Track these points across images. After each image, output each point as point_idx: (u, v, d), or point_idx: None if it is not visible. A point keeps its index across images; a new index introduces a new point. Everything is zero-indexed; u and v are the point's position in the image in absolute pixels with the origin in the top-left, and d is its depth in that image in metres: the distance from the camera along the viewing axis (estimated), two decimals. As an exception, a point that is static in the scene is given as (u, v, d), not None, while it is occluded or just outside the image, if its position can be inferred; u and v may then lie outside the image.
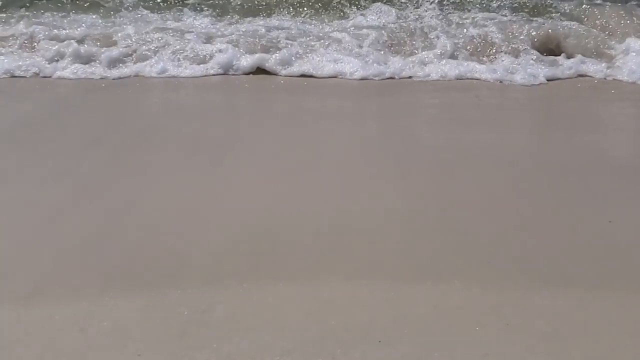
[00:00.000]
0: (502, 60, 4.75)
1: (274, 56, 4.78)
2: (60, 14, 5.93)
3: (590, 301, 2.06)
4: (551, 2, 5.84)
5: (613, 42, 4.98)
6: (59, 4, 6.19)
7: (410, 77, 4.61)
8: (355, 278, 2.18)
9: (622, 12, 5.43)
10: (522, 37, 5.08)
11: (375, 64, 4.70)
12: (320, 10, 6.11)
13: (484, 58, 4.87)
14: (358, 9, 6.13)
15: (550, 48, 5.01)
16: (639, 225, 2.54)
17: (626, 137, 3.68)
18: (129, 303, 2.05)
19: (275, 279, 2.17)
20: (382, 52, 4.92)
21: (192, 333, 1.92)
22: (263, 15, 6.08)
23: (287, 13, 6.08)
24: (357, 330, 1.92)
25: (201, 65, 4.82)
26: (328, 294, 2.09)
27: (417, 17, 5.80)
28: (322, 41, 5.15)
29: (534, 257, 2.31)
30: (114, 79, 4.68)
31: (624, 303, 2.06)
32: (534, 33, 5.12)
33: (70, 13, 5.97)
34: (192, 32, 5.41)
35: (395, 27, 5.45)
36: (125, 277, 2.20)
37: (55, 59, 4.88)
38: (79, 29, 5.46)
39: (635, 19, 5.32)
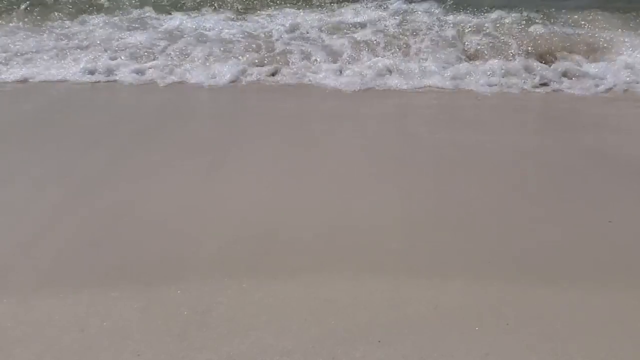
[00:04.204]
0: (500, 67, 4.72)
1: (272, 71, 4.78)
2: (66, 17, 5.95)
3: (590, 301, 2.06)
4: (552, 9, 5.83)
5: (613, 50, 4.99)
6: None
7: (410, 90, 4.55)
8: (356, 278, 2.18)
9: (615, 19, 5.47)
10: (521, 43, 5.07)
11: (372, 76, 4.62)
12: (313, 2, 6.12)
13: (480, 63, 4.84)
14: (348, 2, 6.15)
15: (548, 54, 5.00)
16: (638, 225, 2.55)
17: (627, 139, 3.68)
18: (129, 303, 2.05)
19: (275, 279, 2.17)
20: (380, 61, 4.84)
21: (192, 333, 1.91)
22: (258, 8, 6.06)
23: (279, 6, 6.07)
24: (358, 331, 1.92)
25: (195, 72, 4.79)
26: (328, 294, 2.09)
27: (405, 11, 5.80)
28: (318, 45, 5.13)
29: (534, 257, 2.31)
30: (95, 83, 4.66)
31: (624, 303, 2.06)
32: (533, 40, 5.12)
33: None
34: (187, 36, 5.40)
35: (394, 30, 5.44)
36: (125, 277, 2.19)
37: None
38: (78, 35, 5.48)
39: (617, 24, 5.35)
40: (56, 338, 1.90)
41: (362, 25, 5.60)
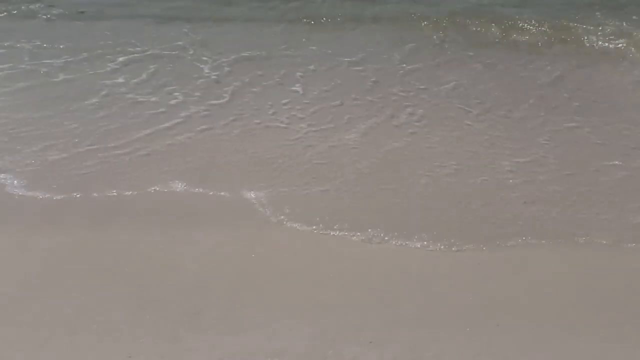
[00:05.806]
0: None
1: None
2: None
3: (580, 302, 2.08)
4: None
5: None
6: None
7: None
8: (347, 279, 2.19)
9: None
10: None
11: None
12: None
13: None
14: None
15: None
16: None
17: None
18: (120, 305, 2.05)
19: (266, 281, 2.18)
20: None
21: (184, 335, 1.91)
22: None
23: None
24: (349, 331, 1.93)
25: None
26: (319, 296, 2.10)
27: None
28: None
29: (525, 259, 2.33)
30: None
31: (614, 303, 2.08)
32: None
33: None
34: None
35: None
36: (117, 279, 2.19)
37: None
38: None
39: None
40: (47, 339, 1.89)
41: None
